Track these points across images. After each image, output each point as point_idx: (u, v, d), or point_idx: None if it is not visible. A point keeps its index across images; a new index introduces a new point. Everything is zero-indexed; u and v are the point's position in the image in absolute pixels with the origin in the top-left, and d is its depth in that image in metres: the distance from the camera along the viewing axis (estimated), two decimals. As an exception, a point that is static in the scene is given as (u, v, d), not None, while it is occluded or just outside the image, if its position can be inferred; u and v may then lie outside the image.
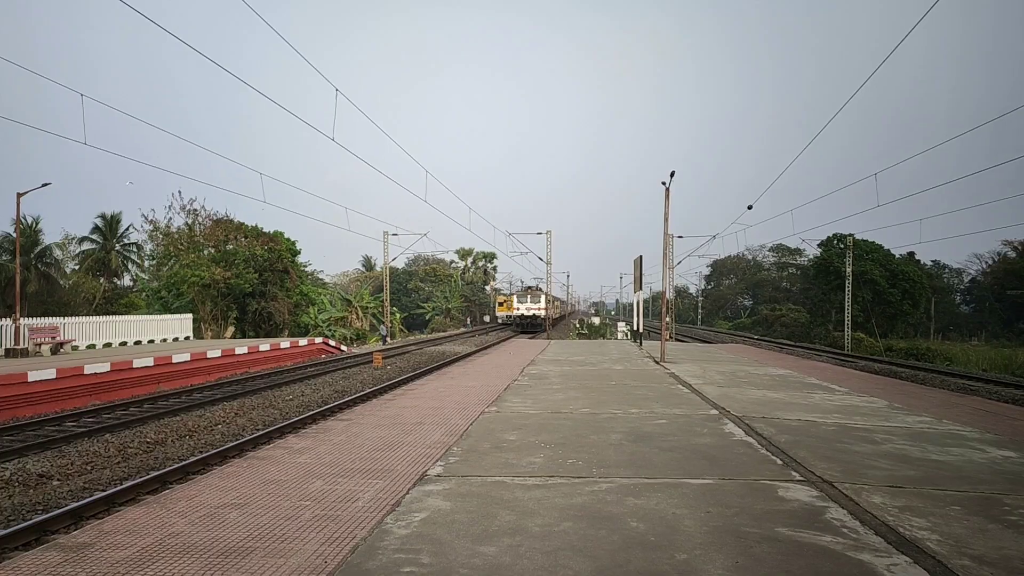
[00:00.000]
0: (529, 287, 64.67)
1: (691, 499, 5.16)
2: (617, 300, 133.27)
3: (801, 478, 5.79)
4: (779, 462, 6.37)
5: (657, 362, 17.80)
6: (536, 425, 8.32)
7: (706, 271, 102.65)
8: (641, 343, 25.64)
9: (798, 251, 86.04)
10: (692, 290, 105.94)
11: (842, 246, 52.65)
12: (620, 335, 46.47)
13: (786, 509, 4.92)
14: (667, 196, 18.88)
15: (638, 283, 21.89)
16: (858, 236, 53.15)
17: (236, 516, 4.81)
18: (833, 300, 57.98)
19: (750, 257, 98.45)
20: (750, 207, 32.15)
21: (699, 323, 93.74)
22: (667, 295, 27.27)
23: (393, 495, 5.31)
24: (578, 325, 66.43)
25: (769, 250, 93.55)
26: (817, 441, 7.36)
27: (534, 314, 60.24)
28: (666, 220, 19.21)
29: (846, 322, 46.60)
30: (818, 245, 60.73)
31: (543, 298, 60.01)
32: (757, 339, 51.83)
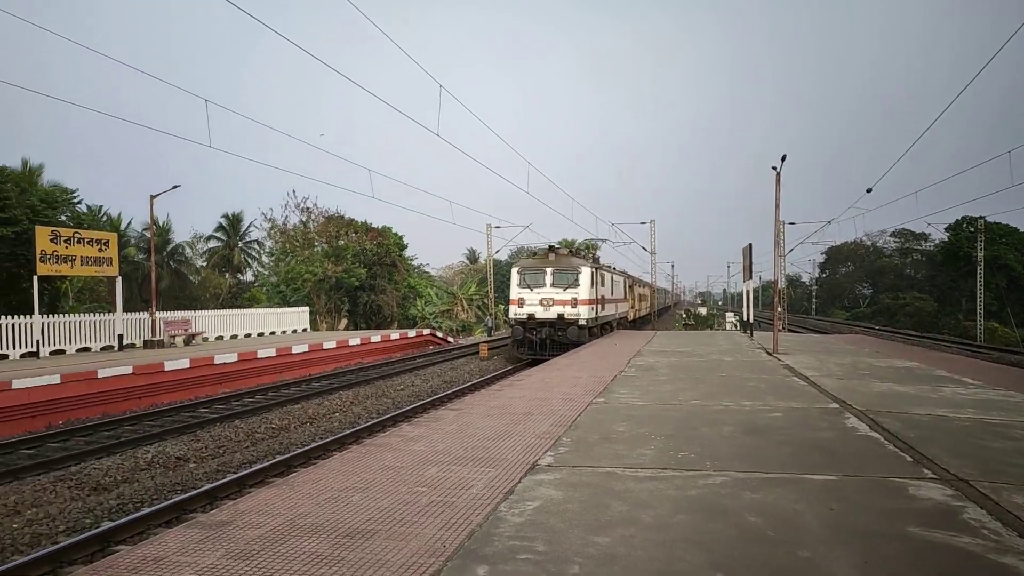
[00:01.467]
0: (552, 246, 26.14)
1: (811, 495, 4.97)
2: (724, 290, 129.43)
3: (933, 475, 5.46)
4: (908, 458, 6.02)
5: (769, 353, 17.19)
6: (645, 416, 8.23)
7: (820, 259, 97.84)
8: (752, 334, 24.82)
9: (923, 236, 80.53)
10: (805, 278, 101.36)
11: (972, 230, 49.16)
12: (729, 326, 45.17)
13: (917, 508, 4.65)
14: (778, 182, 18.15)
15: (747, 272, 21.16)
16: (990, 219, 49.37)
17: (359, 499, 5.03)
18: (963, 288, 54.23)
19: (869, 243, 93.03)
20: (869, 190, 30.56)
21: (813, 313, 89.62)
22: (779, 284, 26.24)
23: (506, 483, 5.40)
24: (684, 315, 63.04)
25: (891, 235, 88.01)
26: (949, 437, 6.91)
27: (560, 315, 24.09)
28: (777, 206, 18.48)
29: (978, 311, 43.46)
30: (945, 229, 57.01)
31: (585, 275, 24.66)
32: (878, 330, 49.11)
